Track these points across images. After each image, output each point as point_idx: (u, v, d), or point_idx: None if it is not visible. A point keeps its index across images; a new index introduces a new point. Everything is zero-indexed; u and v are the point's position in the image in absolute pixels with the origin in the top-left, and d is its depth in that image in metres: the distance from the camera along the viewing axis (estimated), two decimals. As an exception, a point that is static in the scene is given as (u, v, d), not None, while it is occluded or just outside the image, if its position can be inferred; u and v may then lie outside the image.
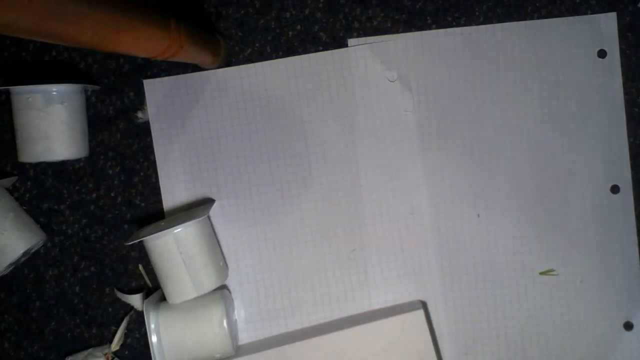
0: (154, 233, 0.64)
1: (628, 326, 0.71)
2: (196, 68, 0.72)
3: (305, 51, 0.72)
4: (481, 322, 0.72)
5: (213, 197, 0.72)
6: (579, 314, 0.71)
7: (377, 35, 0.71)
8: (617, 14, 0.70)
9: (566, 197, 0.71)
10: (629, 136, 0.71)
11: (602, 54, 0.70)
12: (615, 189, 0.71)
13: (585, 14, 0.71)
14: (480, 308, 0.72)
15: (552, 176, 0.71)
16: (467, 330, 0.72)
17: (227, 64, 0.72)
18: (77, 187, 0.73)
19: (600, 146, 0.71)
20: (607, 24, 0.70)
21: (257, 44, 0.72)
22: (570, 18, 0.70)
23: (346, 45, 0.71)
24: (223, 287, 0.71)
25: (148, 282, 0.74)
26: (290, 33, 0.72)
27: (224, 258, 0.72)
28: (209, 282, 0.67)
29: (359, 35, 0.71)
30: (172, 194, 0.72)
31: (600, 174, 0.71)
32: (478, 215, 0.72)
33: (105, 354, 0.72)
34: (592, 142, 0.71)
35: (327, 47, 0.72)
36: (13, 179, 0.73)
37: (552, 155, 0.71)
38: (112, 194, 0.73)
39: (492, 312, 0.72)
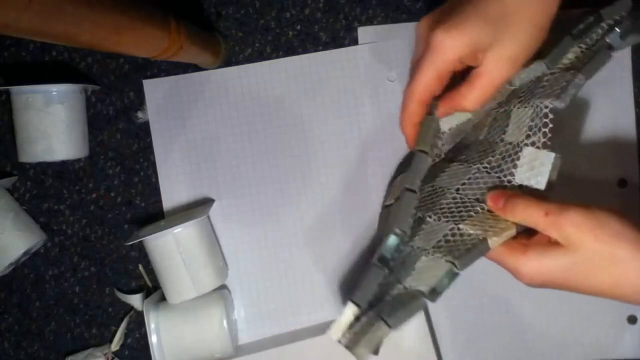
0: (154, 233, 0.64)
1: (632, 320, 0.70)
2: (196, 68, 0.72)
3: (305, 51, 0.72)
4: (483, 318, 0.71)
5: (213, 197, 0.72)
6: (582, 308, 0.70)
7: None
8: (617, 14, 0.70)
9: (572, 190, 0.70)
10: (637, 128, 0.70)
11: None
12: (622, 183, 0.70)
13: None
14: (482, 307, 0.72)
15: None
16: (469, 328, 0.72)
17: (227, 64, 0.72)
18: (77, 187, 0.73)
19: (607, 139, 0.70)
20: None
21: (257, 44, 0.72)
22: (570, 18, 0.70)
23: (349, 43, 0.71)
24: (223, 287, 0.71)
25: (148, 282, 0.74)
26: (290, 33, 0.72)
27: (224, 258, 0.72)
28: (209, 282, 0.67)
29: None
30: (172, 194, 0.72)
31: (607, 167, 0.70)
32: (478, 215, 0.71)
33: (105, 354, 0.72)
34: (599, 135, 0.70)
35: (327, 47, 0.72)
36: (13, 179, 0.73)
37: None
38: (112, 194, 0.73)
39: (493, 309, 0.71)
